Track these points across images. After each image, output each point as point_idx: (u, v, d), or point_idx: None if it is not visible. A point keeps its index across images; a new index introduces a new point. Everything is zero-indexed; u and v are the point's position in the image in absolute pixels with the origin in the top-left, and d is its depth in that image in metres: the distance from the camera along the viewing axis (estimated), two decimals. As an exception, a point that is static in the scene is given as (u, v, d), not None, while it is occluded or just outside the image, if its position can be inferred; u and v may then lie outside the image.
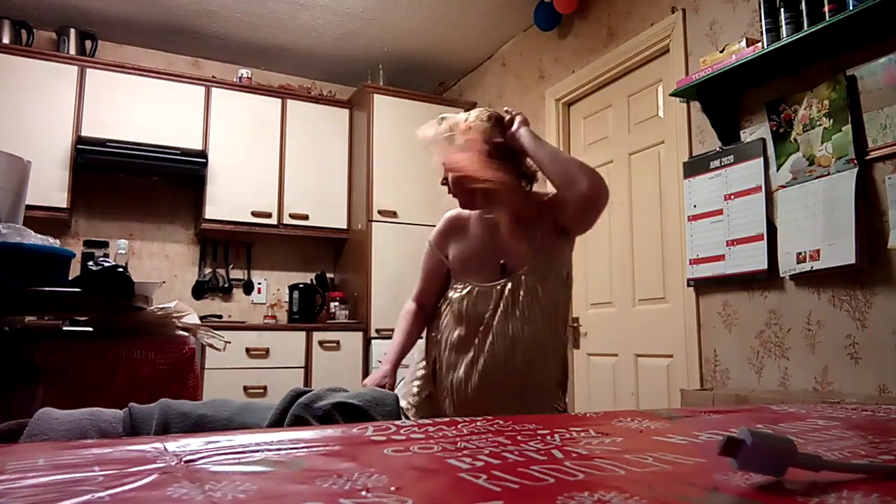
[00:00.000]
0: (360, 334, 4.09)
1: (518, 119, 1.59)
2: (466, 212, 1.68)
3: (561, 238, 1.61)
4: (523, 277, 1.54)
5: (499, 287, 1.55)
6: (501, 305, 1.54)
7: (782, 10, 2.30)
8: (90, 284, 1.57)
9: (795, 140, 2.39)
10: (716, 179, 2.70)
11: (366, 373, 4.04)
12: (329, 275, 4.62)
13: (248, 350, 3.81)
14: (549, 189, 1.61)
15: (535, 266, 1.55)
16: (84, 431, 1.03)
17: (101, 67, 3.90)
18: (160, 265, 4.24)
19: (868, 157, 2.16)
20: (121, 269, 1.62)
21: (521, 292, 1.54)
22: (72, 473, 0.44)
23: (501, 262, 1.58)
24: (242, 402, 1.24)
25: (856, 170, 2.17)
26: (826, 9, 2.15)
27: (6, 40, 3.76)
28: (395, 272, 4.09)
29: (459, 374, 1.55)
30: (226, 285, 4.40)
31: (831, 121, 2.26)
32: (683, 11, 2.94)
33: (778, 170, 2.45)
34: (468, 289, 1.59)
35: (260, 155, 4.23)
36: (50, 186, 3.62)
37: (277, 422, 1.17)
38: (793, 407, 0.88)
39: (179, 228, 4.33)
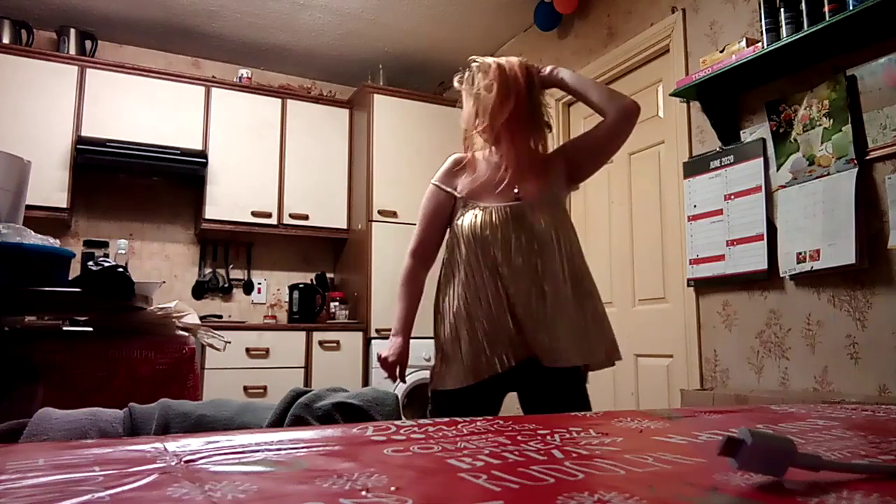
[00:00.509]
0: (360, 334, 4.09)
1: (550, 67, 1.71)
2: (470, 154, 1.71)
3: (566, 186, 1.70)
4: (537, 202, 1.59)
5: (515, 206, 1.57)
6: (521, 228, 1.56)
7: (782, 10, 2.30)
8: (90, 284, 1.57)
9: (795, 140, 2.39)
10: (716, 179, 2.70)
11: (366, 373, 4.04)
12: (329, 275, 4.62)
13: (248, 350, 3.81)
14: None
15: (547, 197, 1.61)
16: (84, 431, 1.03)
17: (101, 67, 3.90)
18: (160, 265, 4.24)
19: (868, 157, 2.16)
20: (121, 269, 1.62)
21: (540, 217, 1.57)
22: (72, 473, 0.44)
23: (516, 190, 1.60)
24: (242, 402, 1.24)
25: (856, 170, 2.17)
26: (826, 9, 2.15)
27: (6, 40, 3.76)
28: (395, 272, 4.04)
29: (491, 304, 1.55)
30: (226, 285, 4.40)
31: (831, 121, 2.26)
32: (683, 11, 2.94)
33: (778, 170, 2.45)
34: (482, 208, 1.59)
35: (260, 155, 4.24)
36: (50, 186, 3.62)
37: (277, 422, 1.17)
38: (793, 407, 0.88)
39: (179, 228, 4.33)
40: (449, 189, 1.67)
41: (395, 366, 1.61)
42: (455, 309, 1.61)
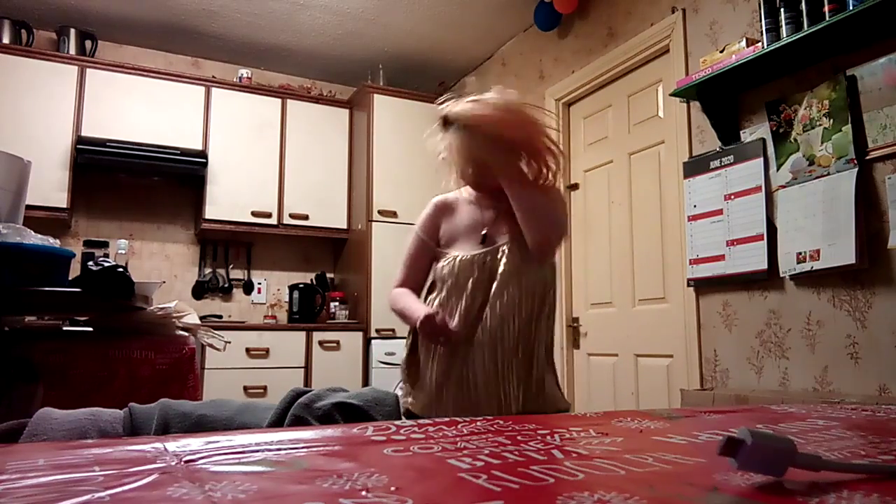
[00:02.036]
0: (360, 334, 4.09)
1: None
2: (452, 195, 1.70)
3: None
4: (505, 247, 1.54)
5: (479, 254, 1.55)
6: (484, 274, 1.53)
7: (782, 10, 2.30)
8: (90, 284, 1.57)
9: (795, 140, 2.39)
10: (716, 179, 2.70)
11: (366, 373, 4.04)
12: (329, 275, 4.62)
13: (248, 350, 3.81)
14: None
15: (517, 240, 1.54)
16: (84, 431, 1.03)
17: (101, 67, 3.90)
18: (160, 265, 4.24)
19: (868, 157, 2.16)
20: (121, 269, 1.62)
21: (503, 262, 1.53)
22: (72, 473, 0.44)
23: (483, 231, 1.58)
24: (242, 402, 1.24)
25: (856, 170, 2.17)
26: (826, 9, 2.15)
27: (6, 40, 3.76)
28: (394, 272, 4.08)
29: (441, 353, 1.52)
30: (226, 285, 4.40)
31: (831, 121, 2.26)
32: (683, 11, 2.94)
33: (778, 170, 2.45)
34: (451, 258, 1.59)
35: (260, 155, 4.24)
36: (50, 186, 3.62)
37: (277, 422, 1.17)
38: (793, 407, 0.88)
39: (179, 228, 4.33)
40: (426, 240, 1.68)
41: (443, 318, 1.51)
42: (413, 352, 1.61)
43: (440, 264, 1.61)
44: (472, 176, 1.62)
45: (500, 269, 1.53)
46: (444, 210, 1.70)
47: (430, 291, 1.65)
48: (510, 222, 1.57)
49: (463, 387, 1.51)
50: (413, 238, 1.72)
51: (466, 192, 1.69)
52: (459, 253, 1.59)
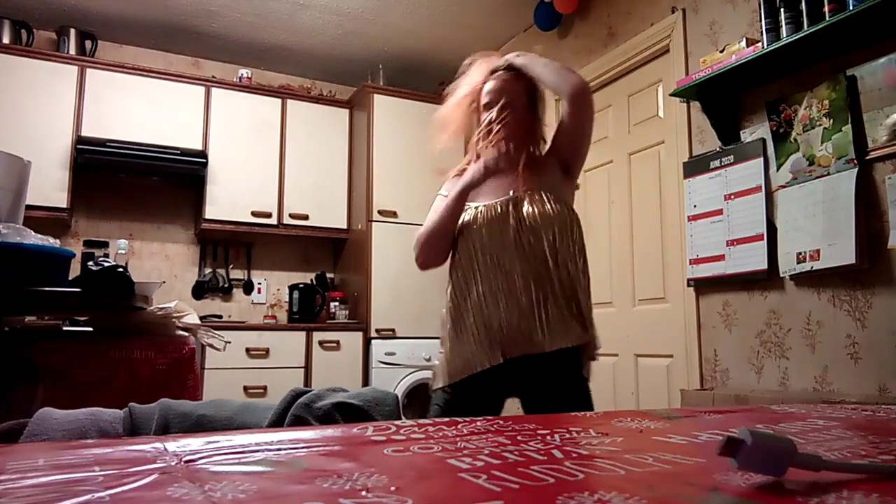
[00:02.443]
0: (360, 334, 4.09)
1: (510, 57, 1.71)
2: (465, 164, 1.73)
3: (564, 177, 1.69)
4: (530, 193, 1.59)
5: (506, 200, 1.59)
6: (511, 221, 1.56)
7: (782, 10, 2.30)
8: (90, 284, 1.57)
9: (795, 140, 2.39)
10: (716, 179, 2.70)
11: (366, 373, 4.04)
12: (329, 275, 4.62)
13: (248, 350, 3.81)
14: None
15: (540, 190, 1.61)
16: (84, 431, 1.03)
17: (101, 67, 3.90)
18: (160, 265, 4.24)
19: (868, 157, 2.16)
20: (121, 269, 1.62)
21: (531, 207, 1.57)
22: (72, 473, 0.44)
23: (511, 192, 1.61)
24: (242, 402, 1.24)
25: (856, 170, 2.17)
26: (826, 9, 2.15)
27: (6, 40, 3.76)
28: (395, 272, 4.09)
29: (481, 299, 1.55)
30: (226, 285, 4.40)
31: (831, 121, 2.26)
32: (683, 11, 2.94)
33: (778, 170, 2.45)
34: (475, 207, 1.61)
35: (260, 155, 4.24)
36: (50, 186, 3.62)
37: (277, 422, 1.17)
38: (793, 407, 0.88)
39: (179, 228, 4.33)
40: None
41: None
42: (448, 308, 1.64)
43: (463, 218, 1.63)
44: (509, 120, 1.64)
45: (530, 209, 1.57)
46: (464, 170, 1.71)
47: (449, 269, 1.67)
48: (530, 177, 1.62)
49: (504, 314, 1.54)
50: (437, 200, 1.73)
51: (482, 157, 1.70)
52: (485, 202, 1.62)
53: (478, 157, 1.67)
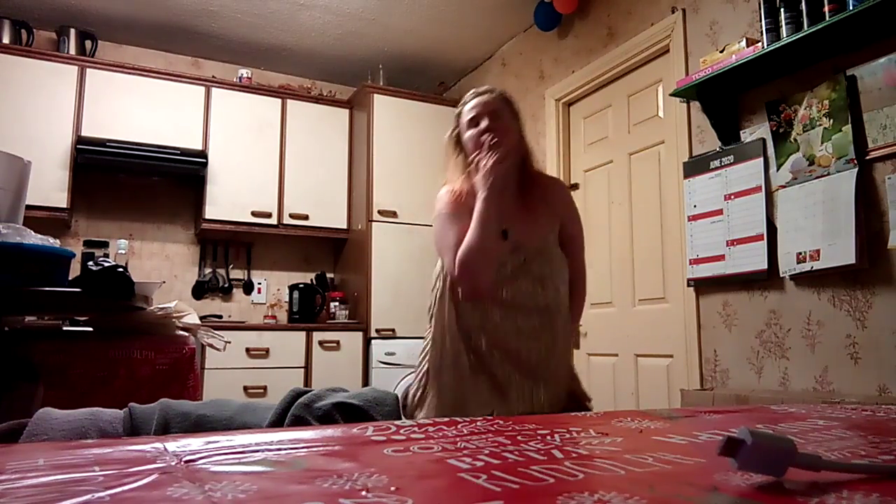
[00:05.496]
0: (360, 334, 4.09)
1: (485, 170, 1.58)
2: (457, 187, 1.67)
3: (555, 230, 1.67)
4: (528, 248, 1.58)
5: (515, 247, 1.58)
6: (509, 271, 1.55)
7: (782, 10, 2.30)
8: (90, 284, 1.57)
9: (795, 140, 2.39)
10: (716, 179, 2.70)
11: (366, 373, 4.04)
12: (329, 275, 4.62)
13: (248, 350, 3.81)
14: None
15: (537, 240, 1.60)
16: (84, 431, 1.03)
17: (101, 67, 3.90)
18: (160, 265, 4.24)
19: (868, 157, 2.16)
20: (121, 269, 1.62)
21: (532, 261, 1.57)
22: (72, 473, 0.44)
23: (504, 228, 1.59)
24: (242, 402, 1.24)
25: (856, 170, 2.17)
26: (826, 9, 2.15)
27: (6, 40, 3.76)
28: (395, 272, 4.09)
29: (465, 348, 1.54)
30: (226, 285, 4.40)
31: (831, 121, 2.26)
32: (683, 11, 2.94)
33: (778, 170, 2.45)
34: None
35: (260, 155, 4.24)
36: (50, 186, 3.62)
37: (277, 422, 1.17)
38: (793, 407, 0.88)
39: (179, 228, 4.33)
40: (462, 214, 1.61)
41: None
42: (453, 341, 1.57)
43: None
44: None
45: (541, 271, 1.57)
46: (464, 200, 1.65)
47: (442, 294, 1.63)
48: (525, 219, 1.61)
49: (496, 382, 1.53)
50: (445, 218, 1.64)
51: (468, 185, 1.67)
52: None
53: (475, 169, 1.62)
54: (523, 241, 1.59)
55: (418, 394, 1.60)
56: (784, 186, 2.43)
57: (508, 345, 1.53)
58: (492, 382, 1.53)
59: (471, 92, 1.72)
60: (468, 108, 1.67)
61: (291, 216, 4.26)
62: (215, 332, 2.00)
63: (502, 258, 1.56)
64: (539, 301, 1.55)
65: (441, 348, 1.58)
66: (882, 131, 2.12)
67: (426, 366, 1.61)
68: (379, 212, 4.18)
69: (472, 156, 1.62)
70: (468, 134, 1.65)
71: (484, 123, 1.61)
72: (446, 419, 0.69)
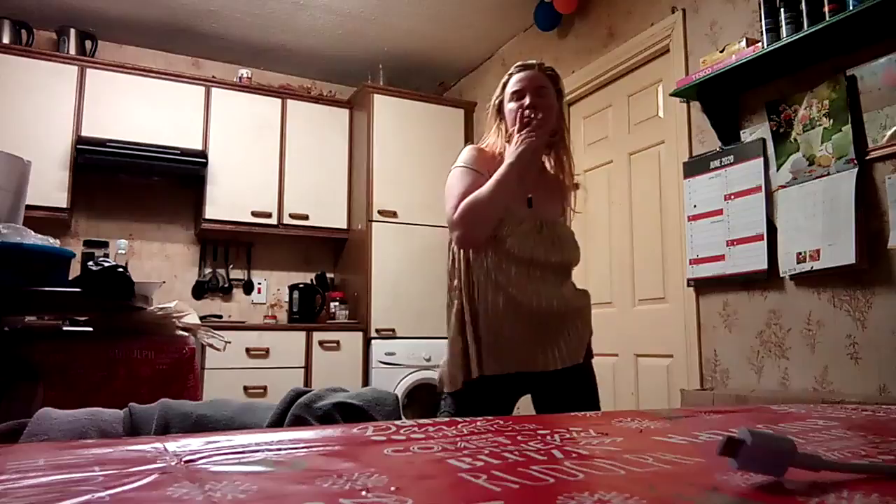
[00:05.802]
0: (360, 334, 4.09)
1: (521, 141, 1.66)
2: (488, 148, 1.73)
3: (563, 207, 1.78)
4: (545, 218, 1.65)
5: (531, 219, 1.64)
6: (538, 237, 1.62)
7: (782, 10, 2.30)
8: (90, 284, 1.57)
9: (795, 140, 2.39)
10: (716, 179, 2.70)
11: (366, 373, 4.04)
12: (329, 275, 4.62)
13: (248, 350, 3.81)
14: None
15: (552, 214, 1.69)
16: (84, 431, 1.03)
17: (101, 67, 3.90)
18: (160, 265, 4.24)
19: (868, 157, 2.16)
20: (121, 269, 1.61)
21: (553, 228, 1.65)
22: (72, 473, 0.44)
23: (529, 196, 1.66)
24: (242, 402, 1.24)
25: (856, 170, 2.17)
26: (826, 9, 2.15)
27: (6, 40, 3.76)
28: (395, 272, 4.09)
29: (495, 304, 1.59)
30: (226, 285, 4.40)
31: (831, 121, 2.26)
32: (683, 11, 2.94)
33: (778, 170, 2.45)
34: (513, 225, 1.62)
35: (260, 155, 4.24)
36: (50, 186, 3.62)
37: (277, 422, 1.17)
38: (793, 407, 0.88)
39: (179, 228, 4.33)
40: (481, 171, 1.64)
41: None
42: (495, 298, 1.60)
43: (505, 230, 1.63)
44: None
45: (555, 235, 1.66)
46: (488, 159, 1.69)
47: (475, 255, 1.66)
48: (548, 189, 1.70)
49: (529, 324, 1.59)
50: (460, 171, 1.67)
51: (497, 150, 1.70)
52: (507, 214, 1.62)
53: (508, 140, 1.68)
54: (540, 213, 1.66)
55: (458, 347, 1.63)
56: (784, 186, 2.43)
57: (531, 297, 1.60)
58: (525, 324, 1.59)
59: (518, 63, 1.76)
60: (514, 81, 1.71)
61: (291, 216, 4.26)
62: (215, 332, 2.00)
63: (522, 216, 1.62)
64: (553, 259, 1.63)
65: (472, 299, 1.62)
66: (882, 131, 2.12)
67: (455, 322, 1.65)
68: (379, 212, 4.18)
69: (511, 129, 1.65)
70: (510, 106, 1.69)
71: (527, 99, 1.63)
72: (446, 419, 0.69)
